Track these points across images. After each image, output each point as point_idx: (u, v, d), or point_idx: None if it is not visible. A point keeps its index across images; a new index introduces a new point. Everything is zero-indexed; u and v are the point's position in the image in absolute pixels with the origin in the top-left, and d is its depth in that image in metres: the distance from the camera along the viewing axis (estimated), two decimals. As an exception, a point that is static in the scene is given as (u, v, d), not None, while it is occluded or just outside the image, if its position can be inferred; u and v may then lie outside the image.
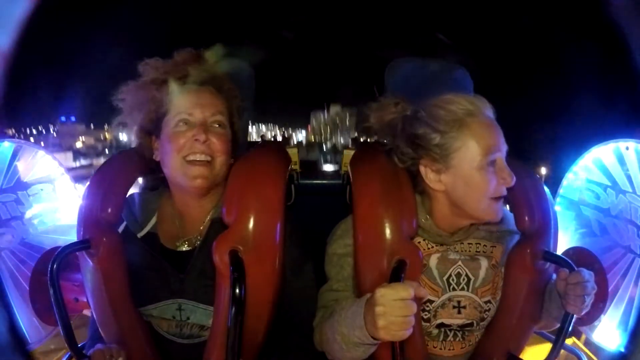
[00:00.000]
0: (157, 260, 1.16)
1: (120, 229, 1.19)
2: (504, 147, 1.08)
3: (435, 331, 1.18)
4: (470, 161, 1.05)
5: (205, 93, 1.14)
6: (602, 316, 1.45)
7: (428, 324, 1.16)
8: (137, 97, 1.16)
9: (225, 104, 1.17)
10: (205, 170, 1.10)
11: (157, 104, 1.14)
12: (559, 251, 1.32)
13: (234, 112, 1.19)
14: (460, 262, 1.15)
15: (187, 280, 1.15)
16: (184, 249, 1.18)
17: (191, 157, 1.09)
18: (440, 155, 1.07)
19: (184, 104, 1.12)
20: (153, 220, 1.20)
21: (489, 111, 1.10)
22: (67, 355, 1.21)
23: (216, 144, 1.11)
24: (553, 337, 1.19)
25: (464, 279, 1.15)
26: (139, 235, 1.18)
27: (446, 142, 1.06)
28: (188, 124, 1.11)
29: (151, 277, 1.16)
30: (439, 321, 1.16)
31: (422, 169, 1.11)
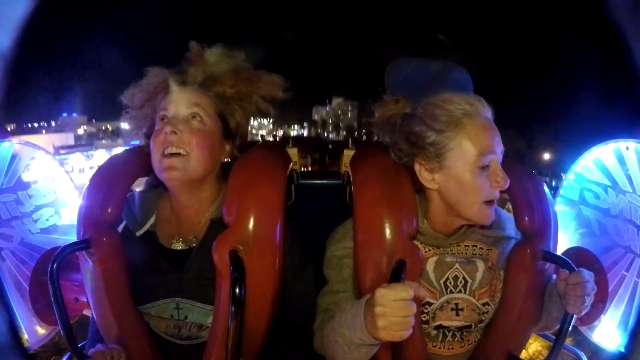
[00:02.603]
0: (156, 259, 1.16)
1: (120, 228, 1.19)
2: (500, 150, 1.07)
3: (434, 332, 1.18)
4: (463, 161, 1.05)
5: (187, 90, 1.14)
6: (602, 316, 1.45)
7: (427, 326, 1.16)
8: (139, 100, 1.18)
9: (210, 99, 1.16)
10: (178, 163, 1.09)
11: (153, 108, 1.16)
12: (559, 251, 1.32)
13: (228, 112, 1.18)
14: (457, 265, 1.15)
15: (184, 279, 1.15)
16: (178, 247, 1.18)
17: (167, 151, 1.09)
18: (434, 154, 1.07)
19: (164, 102, 1.13)
20: (152, 220, 1.21)
21: (487, 112, 1.09)
22: (67, 355, 1.21)
23: (189, 137, 1.10)
24: (553, 337, 1.19)
25: (461, 282, 1.15)
26: (138, 234, 1.18)
27: (441, 141, 1.06)
28: (164, 121, 1.12)
29: (150, 276, 1.16)
30: (437, 323, 1.16)
31: (416, 167, 1.11)
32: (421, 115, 1.09)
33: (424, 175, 1.10)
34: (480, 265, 1.16)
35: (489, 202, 1.07)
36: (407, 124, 1.11)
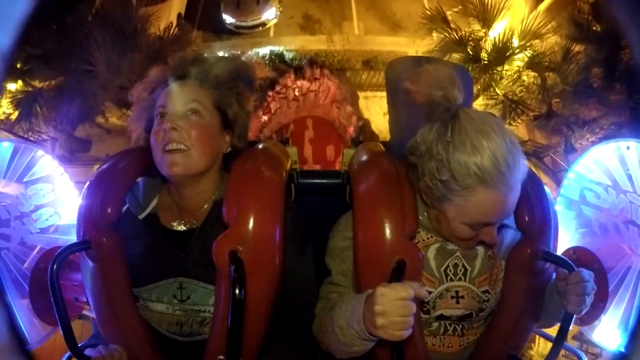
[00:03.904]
0: (159, 240, 1.17)
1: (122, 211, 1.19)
2: (505, 217, 1.05)
3: (435, 324, 1.18)
4: (458, 217, 1.04)
5: (185, 86, 1.15)
6: (602, 316, 1.45)
7: (428, 316, 1.16)
8: (139, 98, 1.20)
9: (208, 94, 1.17)
10: (180, 158, 1.10)
11: (153, 103, 1.17)
12: (559, 251, 1.32)
13: (226, 103, 1.19)
14: (458, 253, 1.15)
15: (188, 260, 1.16)
16: (180, 229, 1.19)
17: (167, 147, 1.10)
18: (436, 193, 1.03)
19: (162, 98, 1.15)
20: (154, 203, 1.22)
21: (513, 177, 0.98)
22: (67, 355, 1.21)
23: (189, 132, 1.11)
24: (553, 336, 1.19)
25: (460, 270, 1.15)
26: (140, 217, 1.19)
27: (448, 189, 1.01)
28: (163, 117, 1.13)
29: (152, 258, 1.17)
30: (438, 312, 1.16)
31: (421, 183, 1.08)
32: (447, 145, 0.99)
33: (422, 195, 1.10)
34: (480, 253, 1.16)
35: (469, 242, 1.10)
36: (434, 141, 1.01)
